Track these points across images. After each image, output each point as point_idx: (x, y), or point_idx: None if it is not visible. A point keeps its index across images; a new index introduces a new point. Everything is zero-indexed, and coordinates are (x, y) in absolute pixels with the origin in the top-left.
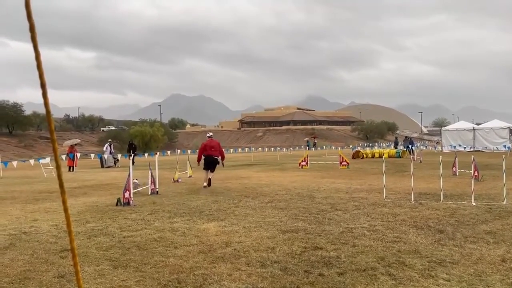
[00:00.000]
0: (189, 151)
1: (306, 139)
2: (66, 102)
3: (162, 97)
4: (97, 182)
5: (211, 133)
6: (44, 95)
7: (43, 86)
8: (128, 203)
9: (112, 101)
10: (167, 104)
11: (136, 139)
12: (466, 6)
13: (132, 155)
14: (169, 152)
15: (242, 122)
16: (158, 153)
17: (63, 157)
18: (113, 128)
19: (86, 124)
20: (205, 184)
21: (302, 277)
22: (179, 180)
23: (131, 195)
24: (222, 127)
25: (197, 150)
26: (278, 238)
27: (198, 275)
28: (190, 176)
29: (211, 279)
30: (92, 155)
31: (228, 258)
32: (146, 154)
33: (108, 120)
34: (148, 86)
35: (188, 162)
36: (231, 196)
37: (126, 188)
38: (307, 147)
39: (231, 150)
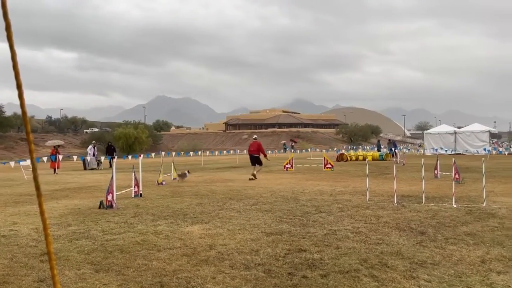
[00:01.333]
0: (173, 153)
1: (283, 142)
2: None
3: (147, 99)
4: (80, 184)
5: (255, 136)
6: (20, 95)
7: (19, 87)
8: (111, 206)
9: (96, 103)
10: (152, 106)
11: (120, 141)
12: (451, 12)
13: (115, 157)
14: (153, 154)
15: (227, 124)
16: (142, 155)
17: (45, 159)
18: (97, 130)
19: (69, 125)
20: (250, 177)
21: (286, 280)
22: (163, 182)
23: (114, 198)
24: (207, 129)
25: (182, 153)
26: (262, 241)
27: (181, 278)
28: (174, 179)
29: (194, 282)
30: (75, 157)
31: (212, 261)
32: (130, 156)
33: (92, 122)
34: (133, 88)
35: (172, 164)
36: (216, 199)
37: (109, 191)
38: (284, 150)
39: (216, 152)
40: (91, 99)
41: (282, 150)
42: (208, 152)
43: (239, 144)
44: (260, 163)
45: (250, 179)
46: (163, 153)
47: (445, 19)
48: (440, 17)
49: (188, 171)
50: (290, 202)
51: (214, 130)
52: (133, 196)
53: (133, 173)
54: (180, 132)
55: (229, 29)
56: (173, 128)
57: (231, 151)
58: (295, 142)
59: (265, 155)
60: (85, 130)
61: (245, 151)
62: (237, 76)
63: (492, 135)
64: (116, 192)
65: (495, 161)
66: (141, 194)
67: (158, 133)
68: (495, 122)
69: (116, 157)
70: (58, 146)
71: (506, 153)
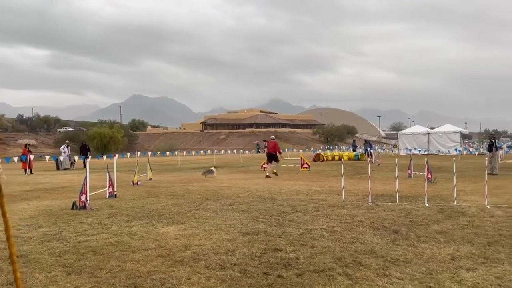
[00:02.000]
0: (149, 153)
1: (256, 142)
2: (20, 101)
3: (123, 98)
4: (52, 185)
5: (272, 136)
6: None
7: None
8: (84, 207)
9: (70, 102)
10: (128, 105)
11: (94, 140)
12: (423, 15)
13: (89, 157)
14: (128, 154)
15: (205, 124)
16: (117, 155)
17: (15, 159)
18: (70, 129)
19: (41, 125)
20: (267, 174)
21: (261, 279)
22: (139, 183)
23: (88, 198)
24: (184, 129)
25: (158, 153)
26: (238, 241)
27: (155, 279)
28: (150, 179)
29: (169, 283)
30: (47, 157)
31: (187, 262)
32: (104, 156)
33: (65, 121)
34: (108, 87)
35: (148, 164)
36: (192, 199)
37: (83, 191)
38: (257, 150)
39: (193, 152)
40: (65, 98)
41: (255, 151)
42: (185, 152)
43: (217, 144)
44: (277, 160)
45: (266, 176)
46: (138, 153)
47: (417, 22)
48: (412, 20)
49: (215, 167)
50: (267, 202)
51: (191, 130)
52: (107, 196)
53: (107, 173)
54: (156, 131)
55: (205, 28)
56: (149, 127)
57: (209, 151)
58: (268, 142)
59: (280, 153)
60: (58, 130)
61: (222, 151)
62: (214, 76)
63: (463, 136)
64: (89, 193)
65: (466, 161)
66: (115, 194)
67: (134, 132)
68: (466, 123)
69: (90, 157)
70: (29, 144)
71: (476, 153)
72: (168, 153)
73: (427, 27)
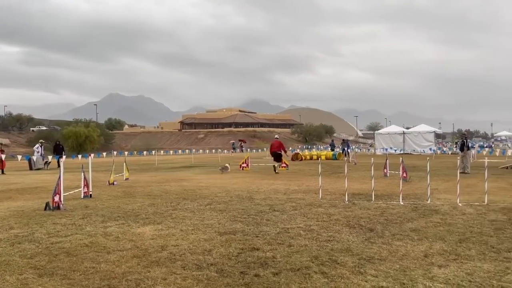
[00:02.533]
0: (126, 152)
1: (232, 141)
2: None
3: (99, 97)
4: (24, 185)
5: (277, 136)
6: None
7: None
8: (58, 207)
9: (44, 100)
10: (104, 104)
11: (69, 140)
12: (398, 17)
13: (63, 157)
14: (104, 153)
15: (183, 123)
16: (92, 154)
17: None
18: (44, 128)
19: (14, 123)
20: (276, 171)
21: (238, 279)
22: (115, 183)
23: (62, 199)
24: (162, 128)
25: (135, 152)
26: (215, 240)
27: (131, 280)
28: (126, 179)
29: (144, 284)
30: (19, 157)
31: (164, 262)
32: (79, 156)
33: (39, 120)
34: (84, 85)
35: (124, 164)
36: (169, 199)
37: (56, 191)
38: (234, 150)
39: (171, 152)
40: (39, 96)
41: (231, 150)
42: (162, 151)
43: (195, 143)
44: (280, 159)
45: (276, 172)
46: (115, 152)
47: (393, 24)
48: (389, 22)
49: (229, 163)
50: (245, 201)
51: (169, 129)
52: (82, 197)
53: (82, 173)
54: (133, 131)
55: (184, 26)
56: (126, 126)
57: (187, 151)
58: (244, 142)
59: (285, 152)
60: (31, 128)
61: (200, 150)
62: (193, 75)
63: (437, 136)
64: (63, 193)
65: (440, 160)
66: (90, 194)
67: (110, 132)
68: (440, 123)
69: (64, 156)
70: (2, 144)
71: (450, 152)
72: (145, 152)
73: (403, 28)
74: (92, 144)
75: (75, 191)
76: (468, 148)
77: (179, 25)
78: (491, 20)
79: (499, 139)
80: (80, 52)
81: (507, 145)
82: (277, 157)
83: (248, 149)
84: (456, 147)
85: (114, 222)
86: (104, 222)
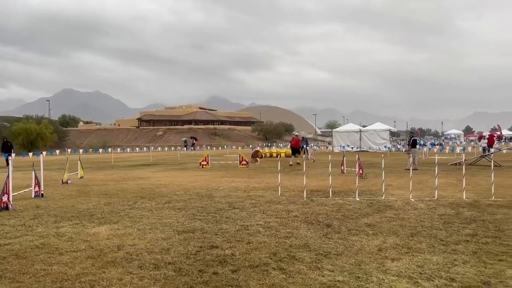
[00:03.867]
0: (81, 150)
1: (184, 139)
2: None
3: (52, 92)
4: None
5: (296, 133)
6: None
7: None
8: (6, 208)
9: None
10: (58, 100)
11: (19, 137)
12: (355, 17)
13: (13, 155)
14: (58, 151)
15: (141, 120)
16: (44, 152)
17: None
18: None
19: None
20: (290, 163)
21: (196, 277)
22: (69, 181)
23: (10, 199)
24: (119, 125)
25: (90, 150)
26: (173, 239)
27: (85, 282)
28: (81, 177)
29: (99, 285)
30: None
31: (120, 262)
32: (30, 154)
33: None
34: (35, 80)
35: (79, 162)
36: (126, 198)
37: (5, 191)
38: (185, 147)
39: (128, 149)
40: None
41: (184, 148)
42: (119, 149)
43: (154, 141)
44: (299, 153)
45: (297, 163)
46: (69, 150)
47: (350, 24)
48: (346, 22)
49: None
50: (204, 199)
51: (126, 126)
52: (33, 196)
53: (33, 172)
54: (89, 128)
55: (141, 22)
56: (81, 123)
57: (145, 148)
58: (196, 139)
59: (303, 148)
60: None
61: (159, 148)
62: (152, 71)
63: (392, 134)
64: (12, 193)
65: (394, 157)
66: (42, 194)
67: (64, 128)
68: (394, 121)
69: (13, 154)
70: None
71: (403, 150)
72: (101, 150)
73: (359, 29)
74: (45, 142)
75: (25, 190)
76: (413, 146)
77: (137, 20)
78: (441, 23)
79: (449, 137)
80: (30, 45)
81: (456, 142)
82: (296, 151)
83: (205, 147)
84: (407, 144)
85: (67, 222)
86: (57, 222)
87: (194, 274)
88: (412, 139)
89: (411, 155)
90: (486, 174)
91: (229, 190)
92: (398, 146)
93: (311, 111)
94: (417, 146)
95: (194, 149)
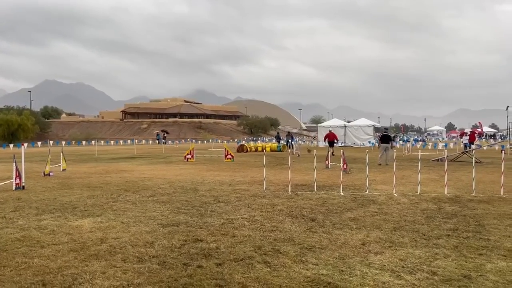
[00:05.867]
0: (63, 142)
1: (156, 132)
2: None
3: (34, 83)
4: None
5: (330, 128)
6: None
7: None
8: None
9: None
10: (40, 91)
11: (0, 128)
12: (339, 14)
13: None
14: (39, 143)
15: (125, 113)
16: (25, 144)
17: None
18: None
19: None
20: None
21: (181, 270)
22: (51, 173)
23: None
24: (103, 117)
25: (73, 142)
26: (158, 233)
27: (67, 275)
28: (64, 170)
29: (81, 279)
30: None
31: (103, 255)
32: (11, 145)
33: None
34: (16, 70)
35: (62, 154)
36: (110, 191)
37: None
38: (157, 141)
39: (112, 142)
40: None
41: (156, 141)
42: (103, 141)
43: (138, 133)
44: (333, 145)
45: (333, 155)
46: (51, 142)
47: (335, 20)
48: (331, 18)
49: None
50: (189, 193)
51: (110, 119)
52: (14, 188)
53: (14, 164)
54: (72, 120)
55: (124, 12)
56: (63, 115)
57: (129, 141)
58: (167, 133)
59: (337, 140)
60: None
61: (143, 141)
62: (136, 63)
63: (376, 129)
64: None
65: (378, 153)
66: (23, 186)
67: (46, 120)
68: (379, 117)
69: None
70: None
71: (392, 145)
72: (84, 142)
73: (344, 25)
74: (26, 133)
75: (5, 182)
76: (385, 142)
77: (119, 11)
78: (423, 21)
79: (431, 133)
80: (10, 35)
81: (439, 139)
82: (333, 144)
83: (164, 141)
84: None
85: (49, 215)
86: (38, 215)
87: (178, 267)
88: (381, 135)
89: (380, 149)
90: (467, 170)
91: (214, 184)
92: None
93: (296, 106)
94: (392, 142)
95: (166, 143)
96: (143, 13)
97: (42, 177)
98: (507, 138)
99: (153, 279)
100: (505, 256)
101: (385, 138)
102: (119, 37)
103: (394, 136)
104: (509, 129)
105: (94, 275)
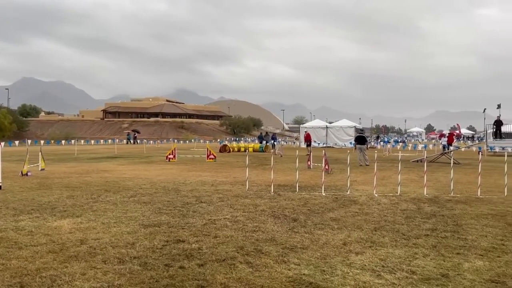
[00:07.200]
0: (42, 141)
1: (127, 131)
2: None
3: (11, 80)
4: None
5: (306, 129)
6: None
7: None
8: None
9: None
10: (17, 89)
11: None
12: (319, 15)
13: None
14: (17, 142)
15: (106, 112)
16: (2, 143)
17: None
18: None
19: None
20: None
21: (162, 271)
22: (29, 173)
23: None
24: (83, 116)
25: (52, 141)
26: (139, 233)
27: (45, 276)
28: (42, 169)
29: (61, 280)
30: None
31: (83, 256)
32: None
33: None
34: None
35: (40, 153)
36: (90, 191)
37: None
38: (128, 141)
39: (92, 141)
40: None
41: (128, 141)
42: (83, 141)
43: (119, 133)
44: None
45: (307, 154)
46: (29, 141)
47: (314, 22)
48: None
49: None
50: (171, 193)
51: (90, 118)
52: None
53: None
54: (51, 118)
55: (102, 9)
56: (42, 114)
57: (109, 141)
58: (138, 132)
59: (310, 142)
60: None
61: (124, 140)
62: (116, 61)
63: (358, 130)
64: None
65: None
66: (0, 186)
67: (24, 119)
68: (360, 118)
69: None
70: None
71: (368, 146)
72: (63, 142)
73: (325, 26)
74: (3, 132)
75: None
76: (362, 143)
77: (96, 7)
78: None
79: (411, 134)
80: None
81: (418, 140)
82: (310, 144)
83: (133, 141)
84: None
85: (27, 216)
86: (16, 215)
87: (160, 268)
88: (357, 136)
89: (357, 151)
90: (445, 171)
91: (196, 184)
92: None
93: (279, 106)
94: (368, 144)
95: (136, 142)
96: (122, 10)
97: (19, 177)
98: (484, 140)
99: (134, 280)
100: (482, 255)
101: (361, 139)
102: (99, 34)
103: (377, 137)
104: (486, 131)
105: (74, 276)
